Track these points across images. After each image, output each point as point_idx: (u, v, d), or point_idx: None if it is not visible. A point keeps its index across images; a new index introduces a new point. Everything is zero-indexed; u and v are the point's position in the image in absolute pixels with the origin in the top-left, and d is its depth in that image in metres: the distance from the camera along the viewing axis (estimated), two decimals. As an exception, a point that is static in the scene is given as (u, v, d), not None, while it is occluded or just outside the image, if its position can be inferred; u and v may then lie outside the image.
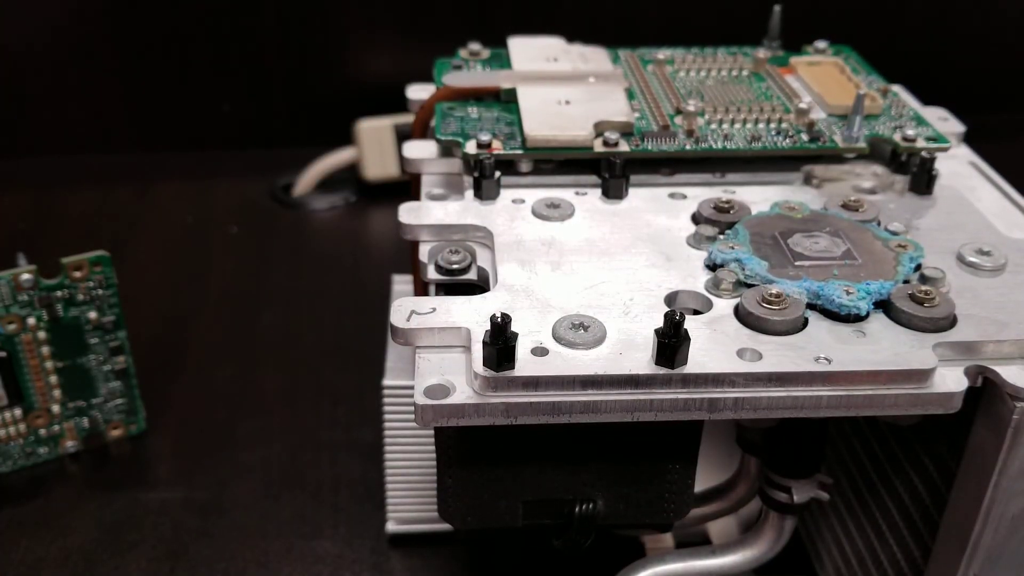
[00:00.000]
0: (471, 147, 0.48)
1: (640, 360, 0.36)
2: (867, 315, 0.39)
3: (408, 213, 0.45)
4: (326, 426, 0.67)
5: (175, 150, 1.03)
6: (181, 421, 0.68)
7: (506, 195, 0.47)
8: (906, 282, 0.40)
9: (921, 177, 0.48)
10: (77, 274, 0.60)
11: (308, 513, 0.60)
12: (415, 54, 0.77)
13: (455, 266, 0.43)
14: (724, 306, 0.39)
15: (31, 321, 0.60)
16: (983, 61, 1.09)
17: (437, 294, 0.43)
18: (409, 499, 0.57)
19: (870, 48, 0.66)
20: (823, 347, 0.37)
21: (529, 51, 0.58)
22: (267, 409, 0.69)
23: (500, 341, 0.35)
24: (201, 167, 1.01)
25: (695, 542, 0.55)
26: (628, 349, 0.37)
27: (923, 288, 0.39)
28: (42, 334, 0.61)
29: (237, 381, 0.72)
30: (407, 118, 0.78)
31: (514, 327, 0.36)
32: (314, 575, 0.57)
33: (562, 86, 0.53)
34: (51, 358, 0.61)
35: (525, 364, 0.36)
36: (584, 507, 0.40)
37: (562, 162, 0.49)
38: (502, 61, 0.58)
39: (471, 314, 0.38)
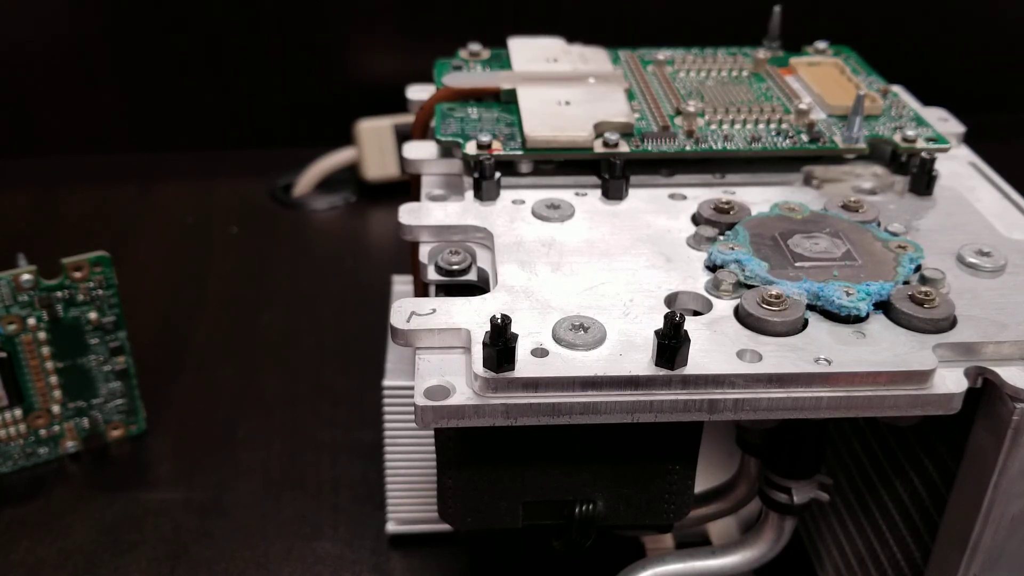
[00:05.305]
0: (471, 148, 0.48)
1: (640, 361, 0.36)
2: (867, 316, 0.39)
3: (408, 214, 0.45)
4: (326, 426, 0.67)
5: (175, 150, 1.03)
6: (181, 421, 0.68)
7: (506, 196, 0.47)
8: (906, 283, 0.40)
9: (921, 178, 0.48)
10: (77, 274, 0.60)
11: (308, 514, 0.60)
12: (415, 54, 0.78)
13: (455, 267, 0.43)
14: (724, 307, 0.39)
15: (31, 321, 0.60)
16: (983, 61, 1.09)
17: (437, 295, 0.43)
18: (409, 499, 0.57)
19: (870, 48, 0.66)
20: (823, 348, 0.37)
21: (529, 51, 0.58)
22: (267, 409, 0.69)
23: (500, 342, 0.35)
24: (201, 167, 1.01)
25: (695, 543, 0.55)
26: (628, 350, 0.37)
27: (923, 289, 0.39)
28: (42, 334, 0.61)
29: (237, 381, 0.72)
30: (407, 118, 0.78)
31: (514, 328, 0.36)
32: None
33: (562, 87, 0.53)
34: (51, 358, 0.61)
35: (525, 365, 0.36)
36: (584, 508, 0.40)
37: (562, 163, 0.49)
38: (502, 61, 0.57)
39: (471, 315, 0.38)
